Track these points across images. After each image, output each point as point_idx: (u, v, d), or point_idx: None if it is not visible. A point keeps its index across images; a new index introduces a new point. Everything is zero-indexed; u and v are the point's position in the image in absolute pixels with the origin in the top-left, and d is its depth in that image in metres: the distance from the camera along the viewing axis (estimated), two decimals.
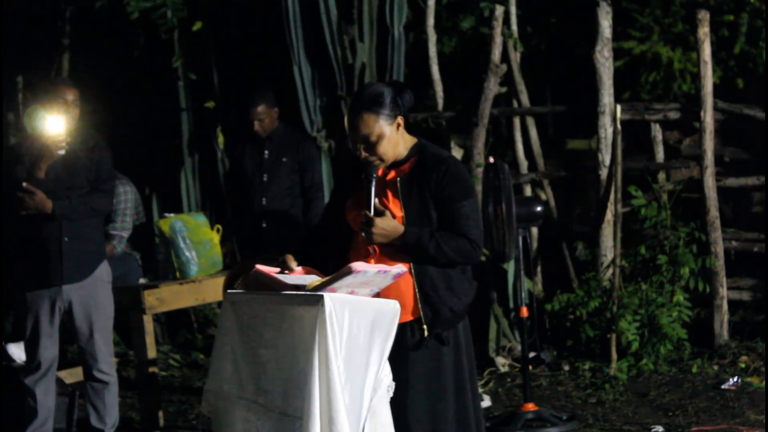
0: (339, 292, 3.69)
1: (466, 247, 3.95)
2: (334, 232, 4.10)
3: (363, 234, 3.90)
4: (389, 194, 3.98)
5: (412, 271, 3.94)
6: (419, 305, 3.94)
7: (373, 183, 3.94)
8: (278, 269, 3.93)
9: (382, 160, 3.99)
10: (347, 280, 3.69)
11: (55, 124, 5.33)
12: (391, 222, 3.91)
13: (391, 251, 3.94)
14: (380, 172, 4.03)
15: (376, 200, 3.94)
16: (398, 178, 3.99)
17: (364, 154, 3.97)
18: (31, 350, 5.60)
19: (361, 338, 3.72)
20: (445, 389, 3.99)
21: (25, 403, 5.63)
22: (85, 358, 5.69)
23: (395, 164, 4.03)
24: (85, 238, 5.57)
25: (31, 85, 8.13)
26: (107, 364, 5.70)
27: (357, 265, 3.70)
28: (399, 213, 3.95)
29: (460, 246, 3.94)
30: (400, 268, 3.84)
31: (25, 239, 5.56)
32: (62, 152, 5.40)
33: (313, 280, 3.90)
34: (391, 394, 3.89)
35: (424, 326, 3.95)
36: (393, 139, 3.97)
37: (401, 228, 3.91)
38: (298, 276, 3.93)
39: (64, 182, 5.47)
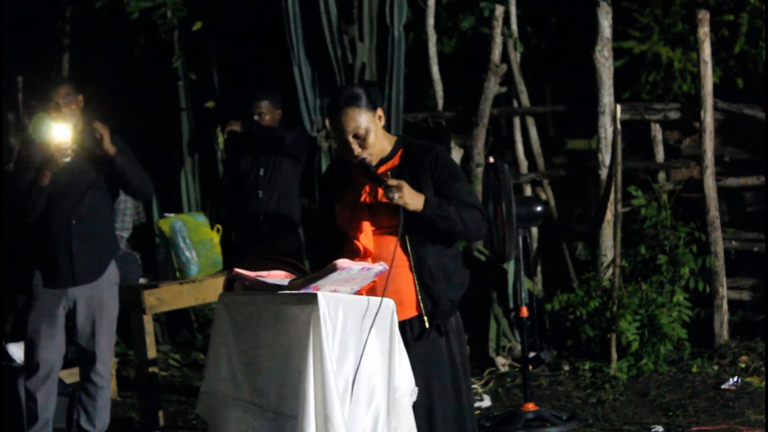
0: (322, 289, 3.70)
1: (477, 216, 4.04)
2: (328, 239, 4.13)
3: (391, 199, 3.89)
4: (380, 190, 4.00)
5: (412, 265, 3.97)
6: (419, 298, 3.96)
7: (371, 164, 4.01)
8: (256, 274, 3.93)
9: (371, 155, 4.04)
10: (332, 277, 3.70)
11: (61, 132, 5.32)
12: (409, 188, 3.95)
13: (382, 240, 3.97)
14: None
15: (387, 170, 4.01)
16: (388, 171, 4.03)
17: (357, 149, 4.00)
18: (31, 350, 5.57)
19: (355, 336, 3.72)
20: (444, 386, 4.02)
21: (26, 406, 5.60)
22: (85, 359, 5.65)
23: (382, 161, 4.08)
24: (95, 240, 5.55)
25: (33, 88, 8.14)
26: (105, 368, 5.65)
27: (342, 263, 3.72)
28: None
29: (475, 217, 4.03)
30: (382, 265, 3.85)
31: (33, 241, 5.55)
32: (68, 160, 5.38)
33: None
34: (413, 398, 3.89)
35: (425, 318, 3.97)
36: (378, 131, 4.05)
37: (421, 194, 3.97)
38: (279, 279, 3.95)
39: (76, 184, 5.48)
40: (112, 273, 5.67)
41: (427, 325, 3.98)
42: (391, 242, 3.95)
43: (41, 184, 5.39)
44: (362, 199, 4.03)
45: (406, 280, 3.97)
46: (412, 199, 3.93)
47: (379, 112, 4.06)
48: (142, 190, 5.66)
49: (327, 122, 4.15)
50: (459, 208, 3.98)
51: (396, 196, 3.90)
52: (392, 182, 3.92)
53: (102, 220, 5.60)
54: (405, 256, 3.98)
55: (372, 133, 4.02)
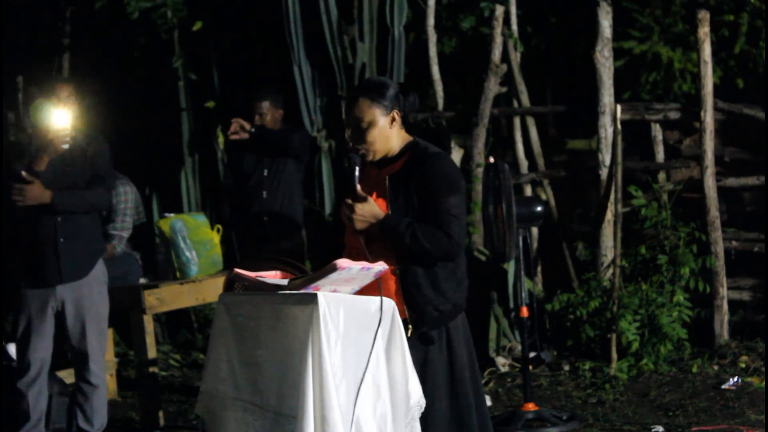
0: (322, 289, 3.70)
1: (442, 241, 3.91)
2: (337, 235, 4.13)
3: (346, 220, 3.92)
4: (374, 193, 4.00)
5: (397, 270, 3.95)
6: (403, 304, 3.94)
7: (357, 170, 3.96)
8: (256, 274, 3.93)
9: (369, 150, 4.00)
10: (332, 277, 3.70)
11: (60, 118, 5.31)
12: (371, 208, 3.92)
13: (380, 247, 3.95)
14: (374, 173, 4.05)
15: (359, 187, 3.96)
16: (387, 176, 4.01)
17: (353, 140, 4.00)
18: (21, 350, 5.55)
19: (355, 336, 3.71)
20: (437, 390, 3.98)
21: (18, 405, 5.59)
22: (77, 359, 5.62)
23: (386, 162, 4.05)
24: (81, 237, 5.53)
25: (35, 81, 8.13)
26: (98, 366, 5.62)
27: (341, 262, 3.71)
28: (383, 211, 3.97)
29: (438, 240, 3.90)
30: (382, 265, 3.84)
31: (20, 239, 5.54)
32: (66, 146, 5.37)
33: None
34: (420, 412, 3.87)
35: (409, 325, 3.94)
36: (385, 131, 3.99)
37: (381, 214, 3.92)
38: (279, 279, 3.94)
39: (60, 179, 5.45)
40: (99, 271, 5.65)
41: (409, 333, 3.94)
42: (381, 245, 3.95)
43: (37, 171, 5.36)
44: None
45: (393, 284, 3.95)
46: (365, 223, 3.91)
47: (394, 113, 3.99)
48: (97, 210, 5.69)
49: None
50: (421, 231, 3.89)
51: (347, 215, 3.91)
52: (359, 194, 3.91)
53: (88, 218, 5.59)
54: (393, 260, 3.96)
55: (375, 130, 3.97)
